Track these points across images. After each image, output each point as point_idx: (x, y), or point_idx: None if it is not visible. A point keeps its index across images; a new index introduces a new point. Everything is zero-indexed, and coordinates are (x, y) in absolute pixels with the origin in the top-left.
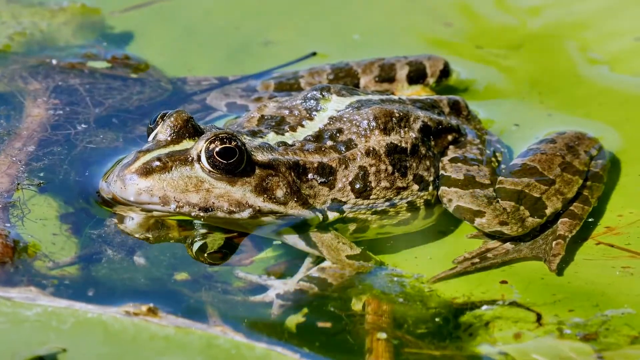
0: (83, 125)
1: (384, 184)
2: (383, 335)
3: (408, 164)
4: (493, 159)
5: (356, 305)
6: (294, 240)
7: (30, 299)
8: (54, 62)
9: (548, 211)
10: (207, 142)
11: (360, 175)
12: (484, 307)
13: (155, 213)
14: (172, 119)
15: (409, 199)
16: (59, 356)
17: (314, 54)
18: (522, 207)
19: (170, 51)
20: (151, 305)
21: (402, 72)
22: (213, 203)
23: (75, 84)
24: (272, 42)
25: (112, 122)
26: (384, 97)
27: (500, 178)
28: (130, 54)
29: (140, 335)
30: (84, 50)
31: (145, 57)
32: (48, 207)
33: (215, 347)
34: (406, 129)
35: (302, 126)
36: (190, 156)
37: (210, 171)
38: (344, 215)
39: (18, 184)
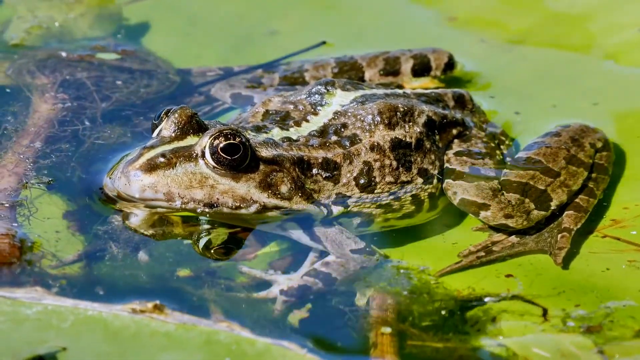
0: (90, 121)
1: (388, 178)
2: (388, 330)
3: (412, 159)
4: (498, 152)
5: (360, 300)
6: (298, 234)
7: (36, 299)
8: (64, 54)
9: (553, 204)
10: (211, 138)
11: (364, 170)
12: (489, 300)
13: (159, 209)
14: (176, 115)
15: (413, 193)
16: (59, 355)
17: (324, 42)
18: (527, 200)
19: (174, 42)
20: (157, 302)
21: (406, 65)
22: (217, 199)
23: (82, 77)
24: (278, 32)
25: (120, 117)
26: (388, 91)
27: (505, 171)
28: (139, 46)
29: (141, 332)
30: (94, 43)
31: (152, 48)
32: (55, 206)
33: (216, 343)
34: (411, 123)
35: (307, 121)
36: (195, 152)
37: (214, 167)
38: (349, 209)
39: (25, 182)
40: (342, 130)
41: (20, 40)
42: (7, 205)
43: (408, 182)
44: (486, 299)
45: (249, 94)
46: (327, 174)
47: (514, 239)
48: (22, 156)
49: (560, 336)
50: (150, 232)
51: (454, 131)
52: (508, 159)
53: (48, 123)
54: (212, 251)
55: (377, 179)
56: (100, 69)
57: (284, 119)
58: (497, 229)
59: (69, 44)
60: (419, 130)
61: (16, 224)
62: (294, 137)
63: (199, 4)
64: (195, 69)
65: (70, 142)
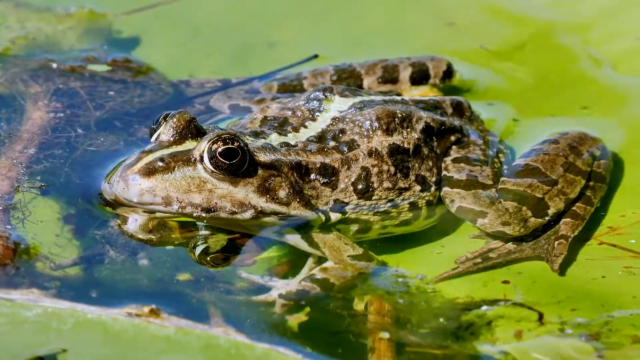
0: (84, 128)
1: (386, 184)
2: (385, 335)
3: (410, 165)
4: (496, 159)
5: (358, 305)
6: (296, 240)
7: (32, 301)
8: (54, 65)
9: (550, 211)
10: (209, 143)
11: (362, 175)
12: (485, 307)
13: (157, 214)
14: (174, 119)
15: (411, 200)
16: (59, 357)
17: (316, 56)
18: (524, 208)
19: (173, 53)
20: (153, 306)
21: (405, 73)
22: (215, 203)
23: (76, 87)
24: (276, 44)
25: (113, 125)
26: (386, 97)
27: (502, 179)
28: (131, 57)
29: (140, 336)
30: (84, 54)
31: (149, 60)
32: (49, 210)
33: (215, 347)
34: (409, 129)
35: (305, 127)
36: (193, 157)
37: (212, 172)
38: (347, 215)
39: (17, 186)
40: (340, 135)
41: (3, 49)
42: (0, 208)
43: (406, 189)
44: (484, 307)
45: (247, 105)
46: (325, 180)
47: (511, 246)
48: (15, 161)
49: (559, 341)
50: (149, 237)
51: (452, 138)
52: (506, 166)
53: (41, 130)
54: (211, 257)
55: (375, 185)
56: (93, 80)
57: (282, 125)
58: (494, 236)
59: (57, 56)
60: (417, 136)
61: (10, 227)
62: (292, 143)
63: (198, 16)
64: (194, 80)
65: (63, 148)
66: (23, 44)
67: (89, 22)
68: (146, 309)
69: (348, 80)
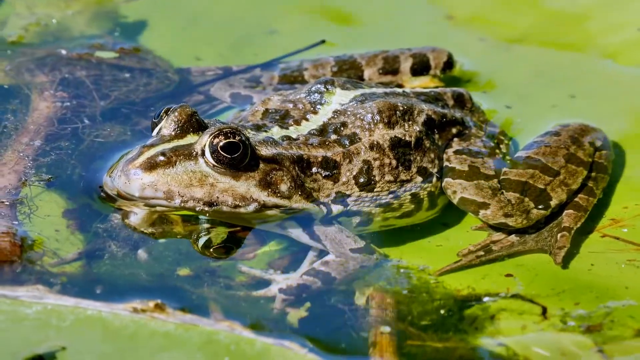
0: (90, 119)
1: (388, 177)
2: (387, 329)
3: (412, 157)
4: (497, 151)
5: (360, 299)
6: (297, 233)
7: (37, 298)
8: (64, 52)
9: (553, 203)
10: (211, 137)
11: (364, 169)
12: (487, 299)
13: (159, 208)
14: (176, 113)
15: (413, 192)
16: (59, 354)
17: (323, 41)
18: (526, 199)
19: (174, 41)
20: (159, 301)
21: (406, 64)
22: (217, 197)
23: (81, 76)
24: (277, 32)
25: (119, 115)
26: (388, 90)
27: (504, 169)
28: (136, 44)
29: (140, 332)
30: (94, 41)
31: (150, 47)
32: (55, 204)
33: (215, 343)
34: (410, 122)
35: (307, 120)
36: (195, 151)
37: (214, 166)
38: (348, 208)
39: (25, 180)
40: (342, 129)
41: (18, 37)
42: (7, 203)
43: (407, 181)
44: (485, 299)
45: (248, 94)
46: (327, 173)
47: (513, 238)
48: (21, 154)
49: (560, 335)
50: (150, 230)
51: (454, 130)
52: (507, 157)
53: (48, 121)
54: (211, 250)
55: (377, 178)
56: (99, 68)
57: (283, 118)
58: (496, 228)
59: (68, 42)
60: (418, 129)
61: (17, 222)
62: (294, 136)
63: (199, 3)
64: (194, 68)
65: (70, 140)
66: (36, 30)
67: (96, 6)
68: (151, 304)
69: (349, 71)
